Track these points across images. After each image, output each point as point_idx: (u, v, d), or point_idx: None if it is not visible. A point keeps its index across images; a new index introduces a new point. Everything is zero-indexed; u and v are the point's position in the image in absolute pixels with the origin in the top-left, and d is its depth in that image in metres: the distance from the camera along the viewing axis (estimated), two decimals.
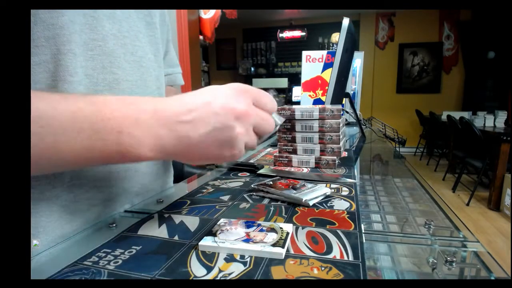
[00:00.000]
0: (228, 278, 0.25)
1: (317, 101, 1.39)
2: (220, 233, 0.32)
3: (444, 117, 3.90)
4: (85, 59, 0.40)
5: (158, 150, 0.30)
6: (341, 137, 0.63)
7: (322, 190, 0.44)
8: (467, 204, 2.86)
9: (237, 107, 0.31)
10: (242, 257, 0.28)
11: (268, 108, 0.34)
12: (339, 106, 0.62)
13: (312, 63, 1.38)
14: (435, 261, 0.31)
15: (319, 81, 1.38)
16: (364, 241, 0.31)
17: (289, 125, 0.64)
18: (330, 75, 0.81)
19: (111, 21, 0.42)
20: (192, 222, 0.36)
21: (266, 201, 0.44)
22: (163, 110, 0.30)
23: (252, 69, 5.77)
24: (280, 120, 0.37)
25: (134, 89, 0.46)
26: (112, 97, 0.30)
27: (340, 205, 0.41)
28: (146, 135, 0.29)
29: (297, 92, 4.71)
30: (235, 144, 0.32)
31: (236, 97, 0.31)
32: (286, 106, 0.63)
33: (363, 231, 0.33)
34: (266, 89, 0.43)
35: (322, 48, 5.35)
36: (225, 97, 0.31)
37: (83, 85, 0.39)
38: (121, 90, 0.44)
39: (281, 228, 0.33)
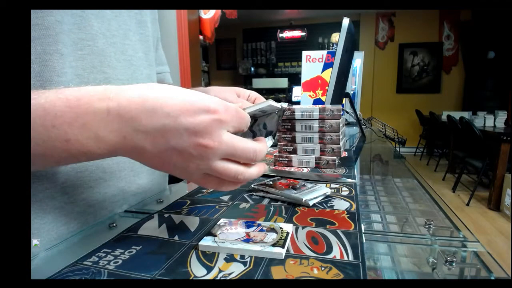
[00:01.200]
0: (228, 278, 0.25)
1: (317, 101, 1.39)
2: (220, 233, 0.32)
3: (444, 117, 3.90)
4: (74, 59, 0.39)
5: (113, 153, 0.27)
6: (341, 137, 0.63)
7: (322, 190, 0.44)
8: (467, 204, 2.86)
9: (203, 140, 0.26)
10: (242, 257, 0.28)
11: (243, 126, 0.30)
12: (339, 106, 0.62)
13: (312, 63, 1.38)
14: (435, 261, 0.31)
15: (319, 81, 1.38)
16: (364, 241, 0.31)
17: (289, 125, 0.64)
18: (330, 75, 0.81)
19: (100, 20, 0.42)
20: (192, 222, 0.36)
21: (266, 201, 0.44)
22: (117, 112, 0.26)
23: (252, 69, 5.77)
24: (282, 105, 0.35)
25: None
26: (61, 96, 0.26)
27: (340, 205, 0.41)
28: (95, 141, 0.26)
29: (297, 92, 4.70)
30: (195, 171, 0.28)
31: (207, 125, 0.26)
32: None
33: (363, 231, 0.33)
34: (266, 98, 0.42)
35: (322, 48, 5.35)
36: (194, 119, 0.26)
37: (74, 85, 0.39)
38: None
39: (281, 228, 0.33)
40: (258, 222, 0.35)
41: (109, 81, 0.43)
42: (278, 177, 0.53)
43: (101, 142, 0.26)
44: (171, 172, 0.29)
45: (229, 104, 0.28)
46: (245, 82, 5.73)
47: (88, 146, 0.26)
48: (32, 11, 0.35)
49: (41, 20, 0.35)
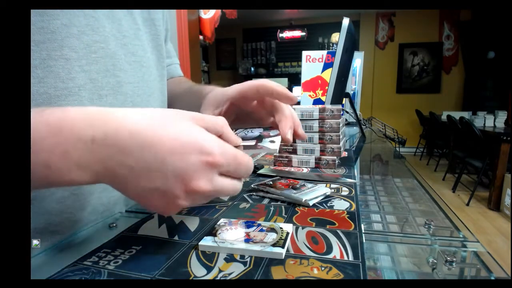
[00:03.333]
0: (228, 278, 0.25)
1: (317, 101, 1.39)
2: (220, 233, 0.32)
3: (444, 117, 3.90)
4: (88, 62, 0.38)
5: (96, 181, 0.26)
6: (341, 137, 0.63)
7: (322, 190, 0.44)
8: (467, 204, 2.86)
9: (192, 183, 0.25)
10: (242, 257, 0.28)
11: (242, 176, 0.29)
12: (339, 106, 0.62)
13: (312, 63, 1.38)
14: (435, 261, 0.31)
15: (319, 81, 1.38)
16: (364, 241, 0.31)
17: None
18: (330, 75, 0.81)
19: (111, 21, 0.41)
20: (192, 222, 0.36)
21: (266, 201, 0.44)
22: (103, 142, 0.24)
23: (252, 69, 5.77)
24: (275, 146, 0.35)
25: (136, 91, 0.45)
26: (42, 119, 0.24)
27: (340, 205, 0.41)
28: (77, 169, 0.24)
29: (297, 92, 4.71)
30: (174, 209, 0.27)
31: (198, 169, 0.25)
32: None
33: (363, 231, 0.33)
34: None
35: (322, 48, 5.35)
36: (183, 162, 0.24)
37: (87, 90, 0.38)
38: (124, 93, 0.43)
39: (281, 228, 0.33)
40: (258, 222, 0.35)
41: (121, 85, 0.42)
42: (278, 177, 0.53)
43: (83, 171, 0.24)
44: (149, 209, 0.27)
45: (228, 148, 0.27)
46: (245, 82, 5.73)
47: (69, 174, 0.24)
48: (38, 14, 0.34)
49: (47, 24, 0.34)
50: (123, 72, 0.43)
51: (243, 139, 0.35)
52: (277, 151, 0.34)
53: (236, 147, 0.30)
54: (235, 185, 0.28)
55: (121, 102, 0.43)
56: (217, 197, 0.29)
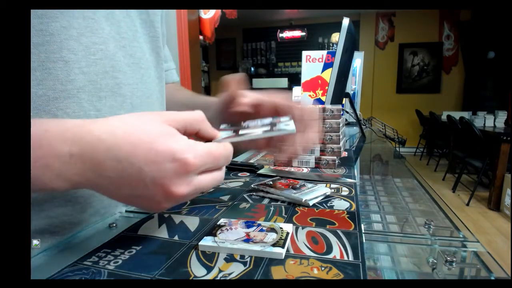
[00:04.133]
0: (228, 278, 0.25)
1: (317, 101, 1.39)
2: (220, 233, 0.32)
3: (444, 117, 3.90)
4: (87, 64, 0.38)
5: (79, 188, 0.27)
6: (341, 137, 0.63)
7: (322, 190, 0.44)
8: (467, 204, 2.86)
9: (171, 190, 0.25)
10: (242, 257, 0.28)
11: (221, 167, 0.30)
12: (339, 106, 0.62)
13: (312, 63, 1.38)
14: (435, 261, 0.31)
15: (319, 81, 1.38)
16: (364, 241, 0.31)
17: None
18: (330, 75, 0.81)
19: (110, 23, 0.41)
20: (192, 222, 0.36)
21: (266, 201, 0.44)
22: (80, 157, 0.25)
23: (252, 69, 5.77)
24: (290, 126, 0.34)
25: (135, 92, 0.45)
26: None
27: (340, 205, 0.41)
28: (58, 180, 0.25)
29: (297, 92, 4.70)
30: (161, 209, 0.28)
31: (175, 174, 0.25)
32: None
33: (363, 231, 0.33)
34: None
35: (322, 48, 5.35)
36: (160, 170, 0.25)
37: (87, 92, 0.38)
38: (123, 95, 0.43)
39: (281, 228, 0.33)
40: (258, 222, 0.35)
41: (119, 87, 0.42)
42: (278, 177, 0.53)
43: (64, 181, 0.25)
44: (135, 206, 0.29)
45: (200, 148, 0.27)
46: None
47: (51, 184, 0.25)
48: (37, 16, 0.33)
49: (46, 26, 0.34)
50: (122, 73, 0.43)
51: (256, 127, 0.35)
52: (295, 130, 0.34)
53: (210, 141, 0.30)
54: (215, 177, 0.29)
55: (120, 103, 0.43)
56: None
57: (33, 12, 0.33)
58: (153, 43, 0.50)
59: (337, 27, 1.95)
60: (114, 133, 0.26)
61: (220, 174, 0.30)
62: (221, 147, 0.29)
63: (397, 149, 1.47)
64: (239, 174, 0.60)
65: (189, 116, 0.29)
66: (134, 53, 0.45)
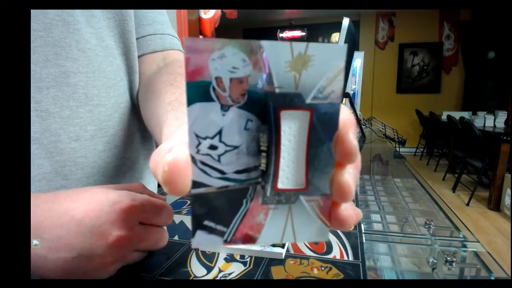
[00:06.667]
0: (228, 278, 0.25)
1: None
2: None
3: (444, 117, 3.89)
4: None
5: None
6: None
7: None
8: (467, 204, 2.86)
9: (111, 233, 0.24)
10: (242, 257, 0.28)
11: (163, 222, 0.29)
12: None
13: None
14: (435, 261, 0.31)
15: None
16: (364, 241, 0.31)
17: None
18: None
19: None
20: None
21: None
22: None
23: None
24: None
25: (91, 82, 0.40)
26: None
27: None
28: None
29: None
30: (105, 272, 0.26)
31: (114, 218, 0.25)
32: None
33: (363, 231, 0.33)
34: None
35: None
36: (99, 217, 0.24)
37: None
38: (72, 85, 0.38)
39: None
40: None
41: (67, 75, 0.38)
42: None
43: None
44: (76, 275, 0.25)
45: (138, 195, 0.27)
46: None
47: None
48: None
49: None
50: (72, 61, 0.38)
51: None
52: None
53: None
54: (157, 232, 0.28)
55: (69, 94, 0.38)
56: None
57: None
58: (120, 27, 0.44)
59: (337, 27, 1.95)
60: (55, 194, 0.26)
61: (162, 232, 0.29)
62: (161, 200, 0.28)
63: (397, 149, 1.47)
64: None
65: (130, 188, 0.29)
66: (89, 38, 0.40)
